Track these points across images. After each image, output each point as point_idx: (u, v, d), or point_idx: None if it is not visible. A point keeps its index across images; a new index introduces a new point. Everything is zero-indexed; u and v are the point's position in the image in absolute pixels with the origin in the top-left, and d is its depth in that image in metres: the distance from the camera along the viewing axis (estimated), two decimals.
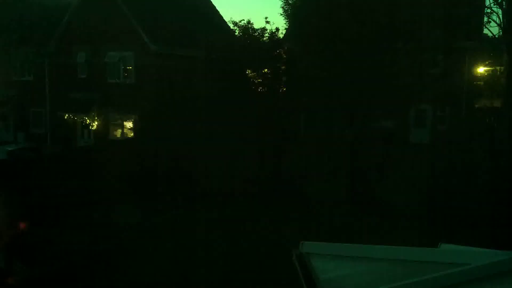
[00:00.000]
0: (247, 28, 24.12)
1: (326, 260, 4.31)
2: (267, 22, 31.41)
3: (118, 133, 28.88)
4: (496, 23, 22.73)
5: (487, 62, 32.59)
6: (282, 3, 28.68)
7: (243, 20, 24.79)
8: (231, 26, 25.33)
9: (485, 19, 23.36)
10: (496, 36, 24.46)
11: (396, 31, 20.36)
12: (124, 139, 28.18)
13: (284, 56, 24.42)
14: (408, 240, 9.01)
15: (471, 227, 15.26)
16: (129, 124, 28.37)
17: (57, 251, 14.25)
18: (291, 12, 27.46)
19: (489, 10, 23.08)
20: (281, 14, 29.17)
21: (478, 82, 31.56)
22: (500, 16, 22.67)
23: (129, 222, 16.79)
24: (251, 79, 24.56)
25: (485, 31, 25.35)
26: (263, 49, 23.46)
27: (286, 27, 29.02)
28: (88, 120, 28.79)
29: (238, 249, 14.60)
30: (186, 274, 12.90)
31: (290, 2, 28.07)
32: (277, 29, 24.64)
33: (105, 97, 28.21)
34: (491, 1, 23.53)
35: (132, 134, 27.96)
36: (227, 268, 13.23)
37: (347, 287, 4.01)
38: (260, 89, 24.55)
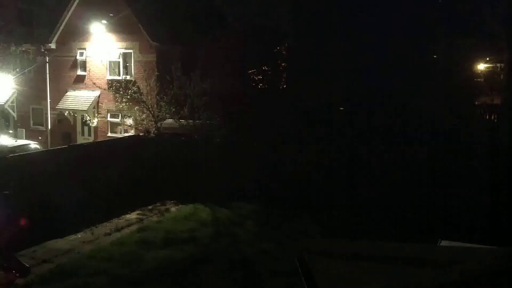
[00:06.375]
0: (248, 25, 24.09)
1: (324, 258, 4.31)
2: (269, 19, 31.27)
3: (118, 130, 28.84)
4: (497, 19, 22.67)
5: (487, 59, 32.55)
6: None
7: (244, 17, 24.72)
8: (233, 22, 25.27)
9: (486, 15, 23.31)
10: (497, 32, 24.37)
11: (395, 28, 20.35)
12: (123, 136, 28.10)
13: (284, 53, 24.40)
14: None
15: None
16: (129, 121, 28.31)
17: None
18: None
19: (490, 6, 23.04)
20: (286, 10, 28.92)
21: (478, 79, 31.51)
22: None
23: None
24: (251, 76, 24.56)
25: (485, 27, 25.26)
26: (264, 45, 23.44)
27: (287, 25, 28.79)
28: (88, 117, 28.78)
29: None
30: None
31: None
32: (279, 26, 24.59)
33: (105, 94, 28.19)
34: None
35: (132, 132, 27.90)
36: None
37: (346, 286, 4.01)
38: (260, 86, 24.54)
